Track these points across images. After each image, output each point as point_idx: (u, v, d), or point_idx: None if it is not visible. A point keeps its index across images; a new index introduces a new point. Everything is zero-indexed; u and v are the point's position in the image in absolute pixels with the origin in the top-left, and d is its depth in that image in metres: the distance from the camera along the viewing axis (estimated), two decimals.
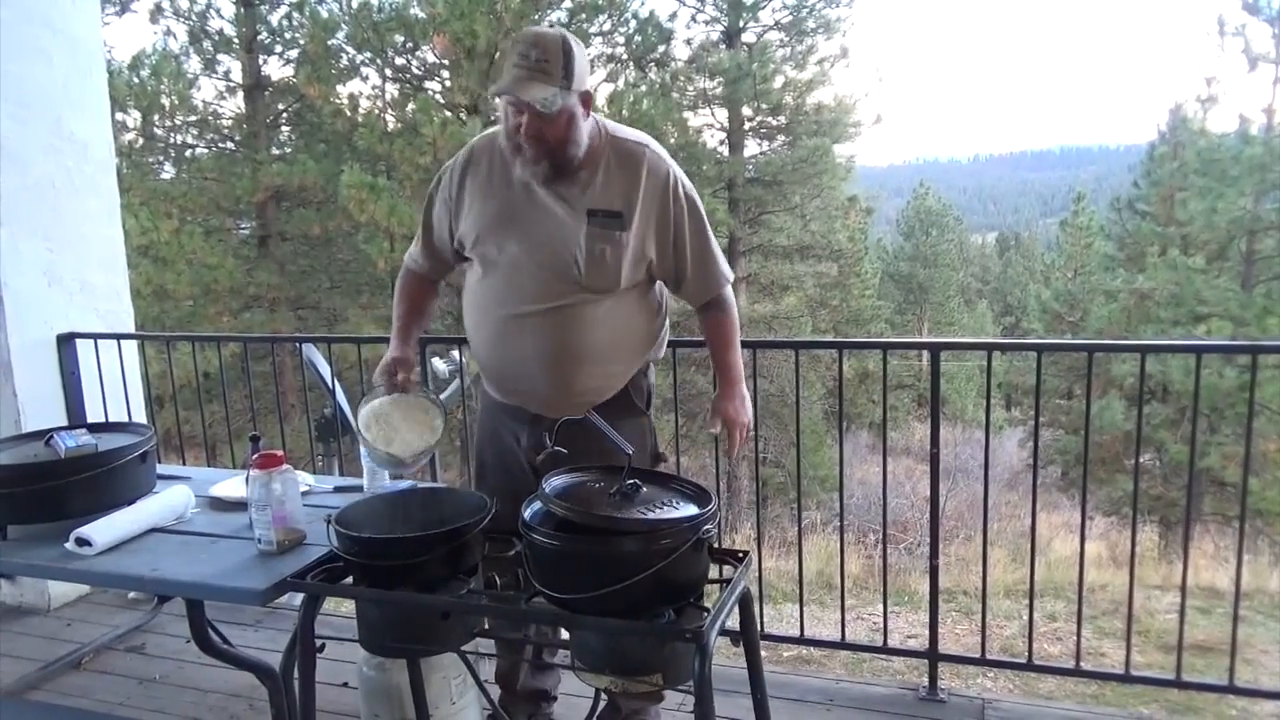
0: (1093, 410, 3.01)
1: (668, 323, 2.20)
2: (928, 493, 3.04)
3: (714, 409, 2.19)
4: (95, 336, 3.40)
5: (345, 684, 2.54)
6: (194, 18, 13.78)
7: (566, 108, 1.85)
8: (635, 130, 2.08)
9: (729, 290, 2.17)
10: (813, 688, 2.71)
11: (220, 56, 14.09)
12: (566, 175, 1.93)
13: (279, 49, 14.24)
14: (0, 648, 3.02)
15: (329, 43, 12.64)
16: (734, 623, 1.64)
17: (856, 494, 10.99)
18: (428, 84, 13.58)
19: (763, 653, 1.73)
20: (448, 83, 13.00)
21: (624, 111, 12.03)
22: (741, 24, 15.09)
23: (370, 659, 2.05)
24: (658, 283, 2.09)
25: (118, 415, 3.37)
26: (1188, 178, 13.77)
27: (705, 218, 2.09)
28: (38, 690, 2.79)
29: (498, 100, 1.92)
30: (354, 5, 12.99)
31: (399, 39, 12.80)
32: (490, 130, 2.07)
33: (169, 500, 2.10)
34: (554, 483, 1.60)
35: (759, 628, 1.86)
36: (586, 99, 1.90)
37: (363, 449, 2.19)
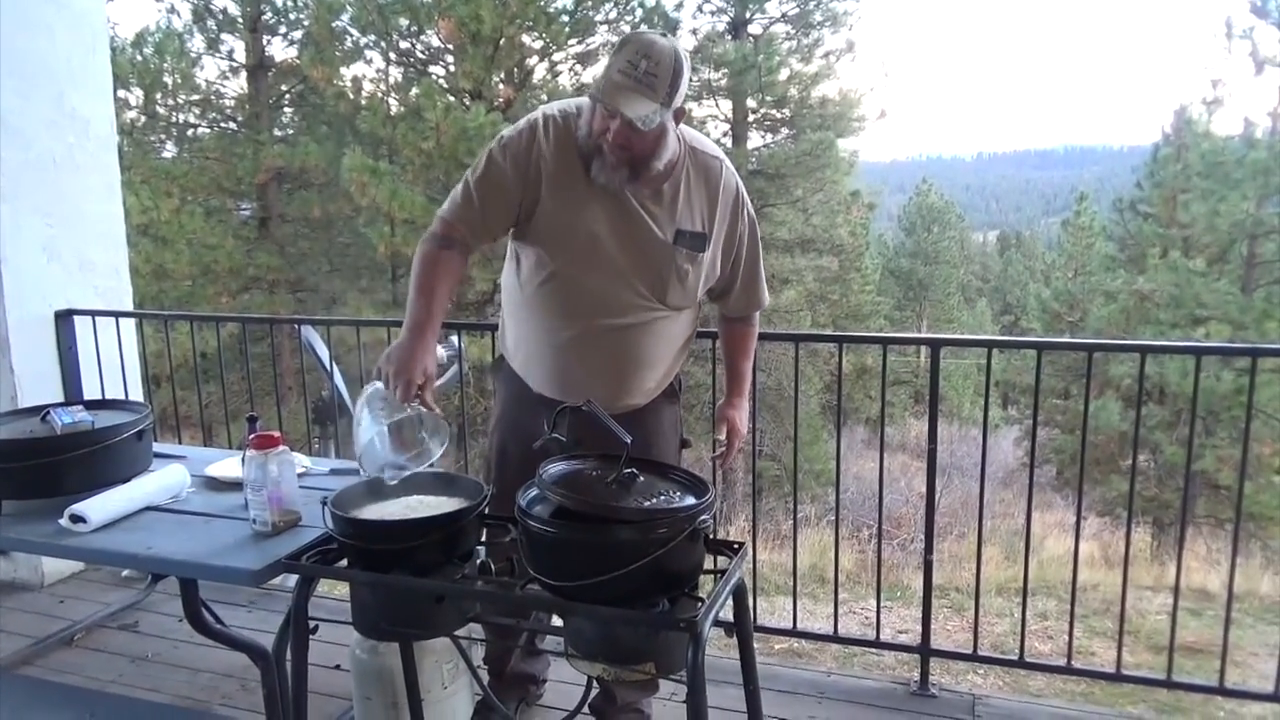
0: (1089, 410, 3.01)
1: None
2: (922, 489, 3.05)
3: (721, 414, 2.22)
4: (93, 314, 3.39)
5: (337, 666, 2.55)
6: None
7: (662, 124, 1.79)
8: (706, 139, 2.04)
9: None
10: (804, 680, 2.72)
11: (224, 36, 14.03)
12: (645, 184, 1.89)
13: (283, 30, 14.18)
14: None
15: (333, 25, 12.56)
16: (728, 614, 1.64)
17: (851, 489, 10.99)
18: (432, 68, 13.53)
19: (755, 644, 1.73)
20: (452, 68, 12.96)
21: None
22: (748, 15, 15.04)
23: (363, 642, 2.05)
24: None
25: (114, 393, 3.37)
26: (1190, 180, 13.75)
27: (759, 237, 2.11)
28: (30, 666, 2.79)
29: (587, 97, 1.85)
30: None
31: (404, 22, 12.73)
32: (559, 109, 1.95)
33: (165, 479, 2.09)
34: (551, 470, 1.60)
35: (752, 619, 1.87)
36: (679, 114, 1.85)
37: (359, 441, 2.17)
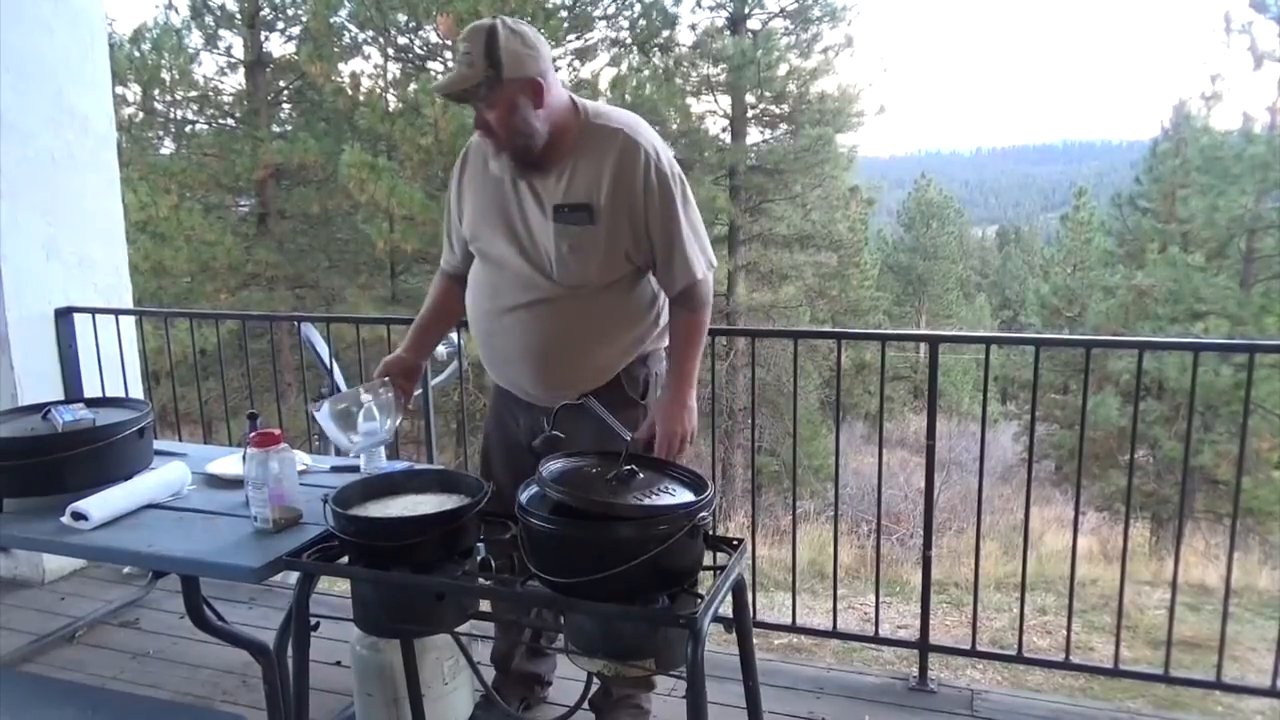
0: (1088, 406, 3.03)
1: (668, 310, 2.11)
2: (921, 484, 3.05)
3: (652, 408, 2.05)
4: (93, 311, 3.39)
5: (338, 663, 2.56)
6: None
7: (502, 98, 1.79)
8: (623, 113, 1.98)
9: (704, 287, 2.01)
10: (803, 676, 2.73)
11: (222, 32, 14.01)
12: (535, 167, 1.90)
13: (281, 25, 14.18)
14: None
15: (331, 20, 12.56)
16: (727, 609, 1.65)
17: (850, 484, 11.00)
18: (430, 64, 13.52)
19: (754, 640, 1.73)
20: (450, 63, 12.94)
21: (626, 96, 12.03)
22: (746, 10, 15.02)
23: (364, 638, 2.06)
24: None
25: (115, 390, 3.37)
26: (1189, 175, 13.76)
27: (680, 200, 1.93)
28: (31, 663, 2.80)
29: None
30: None
31: (402, 18, 12.73)
32: None
33: (166, 476, 2.10)
34: (551, 467, 1.61)
35: (751, 615, 1.87)
36: (534, 87, 1.81)
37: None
